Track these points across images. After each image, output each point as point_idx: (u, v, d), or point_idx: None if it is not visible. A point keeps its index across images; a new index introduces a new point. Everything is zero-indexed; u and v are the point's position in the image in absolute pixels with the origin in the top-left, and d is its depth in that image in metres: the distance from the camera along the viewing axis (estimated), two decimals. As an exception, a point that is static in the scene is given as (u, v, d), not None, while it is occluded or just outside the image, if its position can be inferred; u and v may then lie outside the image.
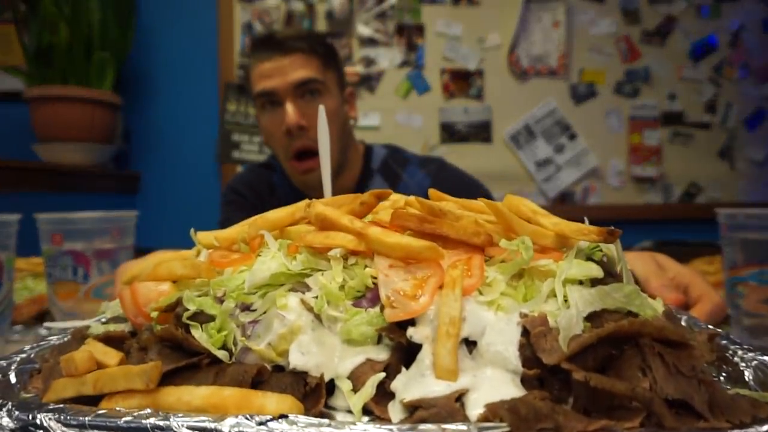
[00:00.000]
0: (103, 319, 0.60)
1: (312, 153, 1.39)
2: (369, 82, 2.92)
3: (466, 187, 1.52)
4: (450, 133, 2.92)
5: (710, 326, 0.52)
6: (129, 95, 2.87)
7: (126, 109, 2.86)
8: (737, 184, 2.93)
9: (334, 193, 1.53)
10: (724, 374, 0.46)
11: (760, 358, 0.46)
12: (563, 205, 2.89)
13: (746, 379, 0.45)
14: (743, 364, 0.46)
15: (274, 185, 1.56)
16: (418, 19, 2.93)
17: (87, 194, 2.57)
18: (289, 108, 1.35)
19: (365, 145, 1.62)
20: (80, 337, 0.56)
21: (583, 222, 0.54)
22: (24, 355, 0.55)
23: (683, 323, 0.55)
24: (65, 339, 0.59)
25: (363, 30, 2.92)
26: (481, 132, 2.93)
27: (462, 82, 2.92)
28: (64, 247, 1.10)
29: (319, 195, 1.52)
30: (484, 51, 2.92)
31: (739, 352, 0.48)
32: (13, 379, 0.51)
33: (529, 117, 2.92)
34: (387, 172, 1.54)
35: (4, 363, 0.53)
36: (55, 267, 1.11)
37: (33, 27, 2.45)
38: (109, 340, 0.52)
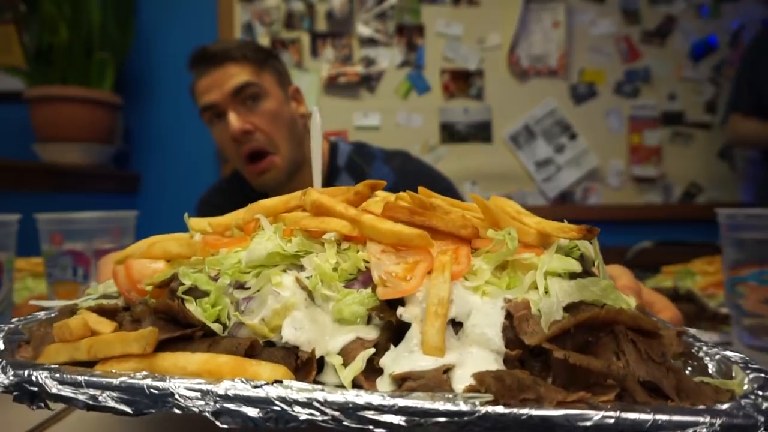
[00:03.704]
0: (90, 301, 0.59)
1: (263, 154, 1.43)
2: (369, 82, 2.92)
3: (429, 179, 1.55)
4: (450, 133, 2.92)
5: (677, 327, 0.54)
6: (129, 95, 2.87)
7: (126, 109, 2.86)
8: (737, 185, 2.93)
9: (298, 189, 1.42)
10: (689, 368, 0.48)
11: (723, 352, 0.48)
12: (563, 205, 2.89)
13: (710, 371, 0.47)
14: (707, 358, 0.48)
15: (246, 193, 1.57)
16: (418, 19, 2.92)
17: (87, 194, 2.57)
18: (231, 117, 1.40)
19: (330, 143, 1.62)
20: (68, 312, 0.55)
21: (576, 222, 0.56)
22: (12, 326, 0.54)
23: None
24: (52, 315, 0.58)
25: (363, 30, 2.91)
26: (481, 132, 2.92)
27: (462, 82, 2.92)
28: (64, 247, 1.10)
29: (278, 192, 1.55)
30: (484, 51, 2.92)
31: (704, 348, 0.50)
32: (1, 346, 0.51)
33: (529, 117, 2.92)
34: (353, 168, 1.55)
35: None
36: (55, 267, 1.11)
37: (33, 27, 2.44)
38: (101, 312, 0.51)
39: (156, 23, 2.94)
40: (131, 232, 1.20)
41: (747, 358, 0.47)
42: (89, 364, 0.44)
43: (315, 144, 0.77)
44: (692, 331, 0.54)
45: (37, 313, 0.60)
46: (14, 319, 0.57)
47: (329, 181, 1.53)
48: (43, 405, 0.41)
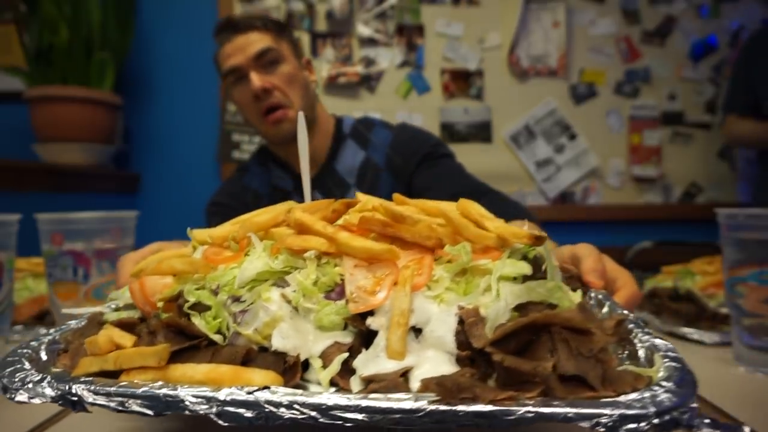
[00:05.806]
0: (113, 306, 0.70)
1: (279, 107, 1.59)
2: (369, 82, 2.92)
3: (421, 136, 1.75)
4: (450, 133, 2.92)
5: (626, 311, 0.61)
6: (129, 95, 2.87)
7: (126, 109, 2.86)
8: (737, 184, 2.93)
9: (312, 149, 1.65)
10: (626, 352, 0.55)
11: (653, 340, 0.53)
12: (563, 204, 2.89)
13: (639, 357, 0.53)
14: (639, 345, 0.54)
15: (250, 187, 1.73)
16: (418, 19, 2.93)
17: (87, 194, 2.57)
18: (253, 76, 1.54)
19: (336, 117, 1.80)
20: (96, 321, 0.65)
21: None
22: (50, 337, 0.64)
23: (606, 308, 0.65)
24: (82, 323, 0.67)
25: (363, 30, 2.91)
26: (481, 132, 2.93)
27: (462, 82, 2.92)
28: (64, 247, 1.10)
29: (291, 148, 1.65)
30: (484, 51, 2.92)
31: (639, 335, 0.56)
32: (44, 357, 0.60)
33: (529, 117, 2.93)
34: (357, 135, 1.73)
35: (35, 344, 0.62)
36: (55, 267, 1.11)
37: (33, 27, 2.44)
38: (122, 325, 0.61)
39: (156, 23, 2.94)
40: (131, 232, 1.20)
41: (671, 346, 0.52)
42: (116, 373, 0.53)
43: (302, 147, 0.80)
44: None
45: (70, 322, 0.69)
46: (52, 330, 0.66)
47: (336, 144, 1.70)
48: (83, 409, 0.50)
